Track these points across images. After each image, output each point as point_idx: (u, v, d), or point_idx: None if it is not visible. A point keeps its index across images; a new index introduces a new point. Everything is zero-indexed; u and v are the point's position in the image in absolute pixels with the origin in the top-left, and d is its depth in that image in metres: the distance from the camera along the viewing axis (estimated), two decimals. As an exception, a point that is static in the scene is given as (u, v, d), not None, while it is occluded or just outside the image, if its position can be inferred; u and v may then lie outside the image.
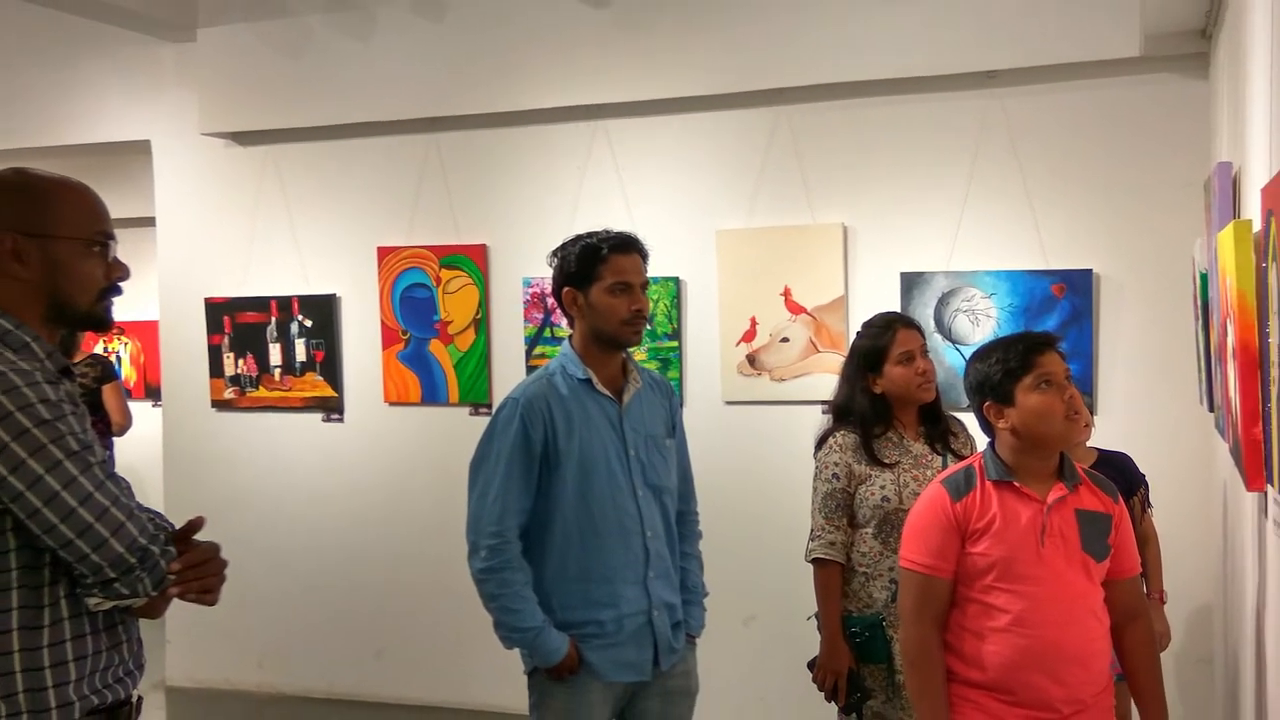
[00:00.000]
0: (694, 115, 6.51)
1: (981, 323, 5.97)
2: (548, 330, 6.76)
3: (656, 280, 6.35)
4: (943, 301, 6.04)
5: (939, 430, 4.31)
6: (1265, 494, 3.05)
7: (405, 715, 7.08)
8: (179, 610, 2.81)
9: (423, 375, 7.07)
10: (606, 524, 3.76)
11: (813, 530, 4.21)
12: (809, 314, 6.26)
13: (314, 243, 7.34)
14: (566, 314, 3.88)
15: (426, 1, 6.79)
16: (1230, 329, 3.13)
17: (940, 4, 5.91)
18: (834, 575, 4.16)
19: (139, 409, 9.18)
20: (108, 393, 7.86)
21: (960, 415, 4.39)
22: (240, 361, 7.50)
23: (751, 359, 6.37)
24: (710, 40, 6.28)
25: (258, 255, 7.46)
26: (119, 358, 10.96)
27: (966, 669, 3.35)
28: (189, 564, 2.60)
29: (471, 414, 6.96)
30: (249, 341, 7.47)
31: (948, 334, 6.02)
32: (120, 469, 2.73)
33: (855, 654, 4.13)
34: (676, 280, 6.52)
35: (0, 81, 8.02)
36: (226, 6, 7.25)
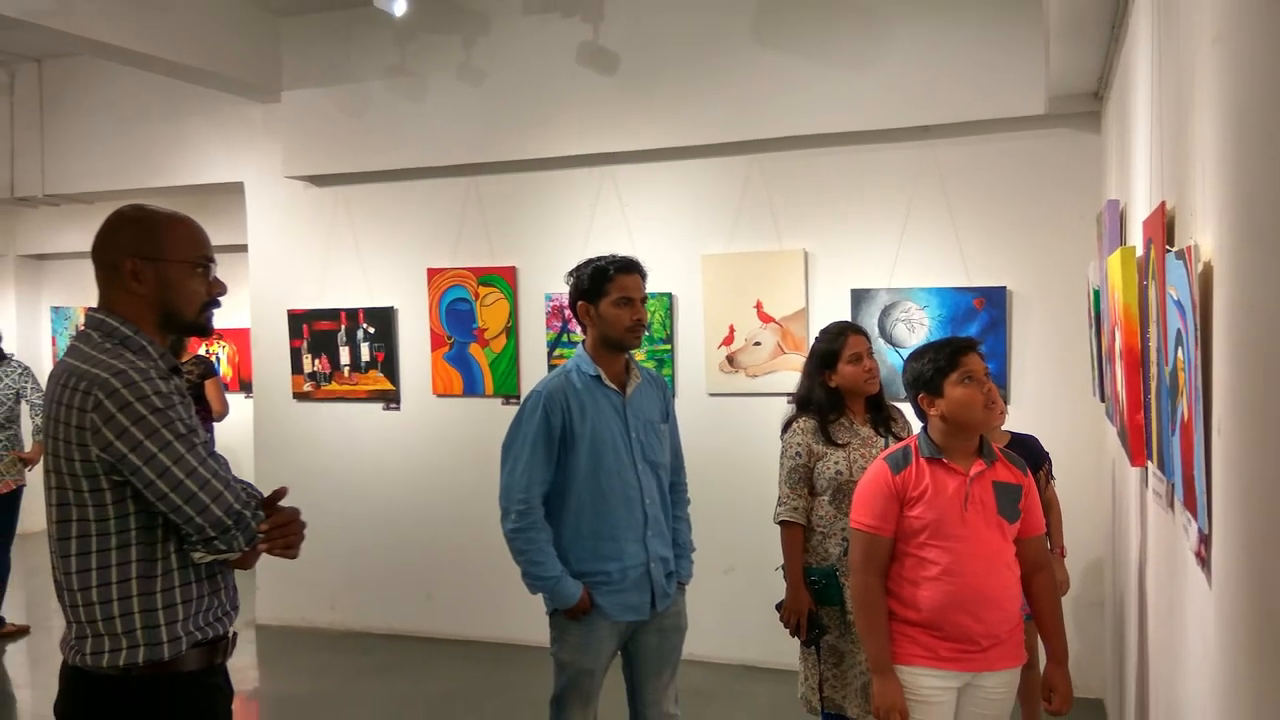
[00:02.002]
0: (684, 161, 6.51)
1: (916, 330, 5.96)
2: (565, 336, 6.76)
3: (654, 295, 6.34)
4: (885, 312, 6.04)
5: (882, 417, 4.31)
6: (1146, 469, 3.05)
7: (449, 647, 7.08)
8: (267, 562, 2.81)
9: (464, 372, 7.07)
10: (613, 493, 3.76)
11: (780, 498, 4.21)
12: (777, 323, 6.25)
13: (375, 264, 7.35)
14: (580, 323, 3.88)
15: (468, 70, 6.79)
16: (1118, 335, 3.13)
17: (884, 72, 5.91)
18: (797, 534, 4.15)
19: (234, 400, 9.19)
20: (209, 387, 7.86)
21: (899, 404, 4.39)
22: (316, 361, 7.50)
23: (730, 359, 6.36)
24: (697, 101, 6.28)
25: (330, 275, 7.46)
26: (218, 358, 10.96)
27: (904, 610, 3.35)
28: (275, 525, 2.60)
29: (503, 404, 6.96)
30: (323, 345, 7.47)
31: (889, 339, 6.02)
32: (219, 449, 2.73)
33: (814, 598, 4.13)
34: (670, 295, 6.52)
35: (123, 134, 8.03)
36: (305, 74, 7.25)
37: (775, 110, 6.12)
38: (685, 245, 6.51)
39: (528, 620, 5.70)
